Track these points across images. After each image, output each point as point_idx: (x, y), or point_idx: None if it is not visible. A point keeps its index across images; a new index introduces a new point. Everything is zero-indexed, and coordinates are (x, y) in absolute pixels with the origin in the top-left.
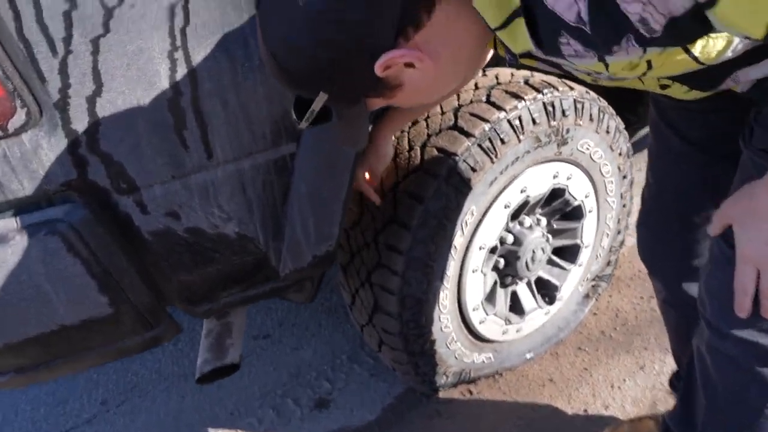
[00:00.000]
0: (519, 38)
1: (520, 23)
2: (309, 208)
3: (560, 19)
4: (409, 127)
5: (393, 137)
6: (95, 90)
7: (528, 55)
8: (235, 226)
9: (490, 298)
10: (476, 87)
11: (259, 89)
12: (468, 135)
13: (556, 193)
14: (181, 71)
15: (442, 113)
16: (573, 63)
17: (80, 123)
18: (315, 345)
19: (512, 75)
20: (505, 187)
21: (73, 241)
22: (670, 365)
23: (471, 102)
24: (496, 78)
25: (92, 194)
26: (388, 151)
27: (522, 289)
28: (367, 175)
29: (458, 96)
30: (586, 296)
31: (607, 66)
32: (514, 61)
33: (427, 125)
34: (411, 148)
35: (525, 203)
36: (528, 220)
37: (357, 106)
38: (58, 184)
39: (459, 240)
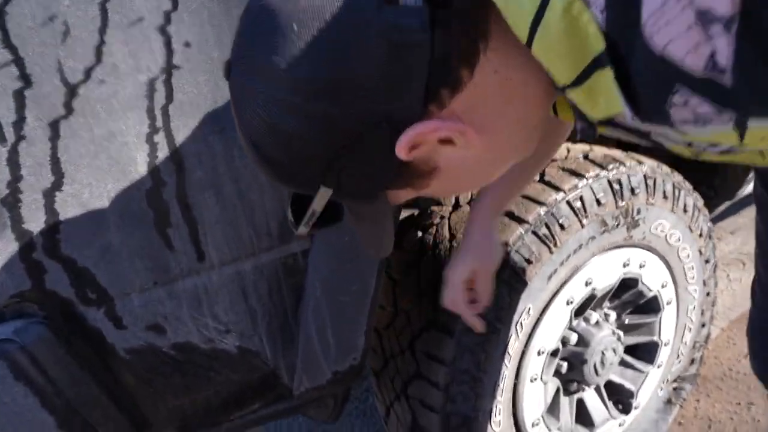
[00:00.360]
0: (601, 99)
1: (605, 77)
2: (327, 316)
3: (677, 68)
4: (450, 212)
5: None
6: (54, 182)
7: (611, 122)
8: (235, 340)
9: (552, 409)
10: None
11: (262, 175)
12: (520, 221)
13: (628, 284)
14: (163, 156)
15: None
16: (686, 132)
17: (35, 222)
18: None
19: (568, 150)
20: (566, 281)
21: (23, 365)
22: None
23: None
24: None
25: (52, 307)
26: (495, 241)
27: (590, 397)
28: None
29: None
30: (668, 402)
31: (743, 134)
32: (591, 131)
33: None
34: (452, 237)
35: (591, 297)
36: (594, 316)
37: (375, 203)
38: (7, 296)
39: (513, 345)
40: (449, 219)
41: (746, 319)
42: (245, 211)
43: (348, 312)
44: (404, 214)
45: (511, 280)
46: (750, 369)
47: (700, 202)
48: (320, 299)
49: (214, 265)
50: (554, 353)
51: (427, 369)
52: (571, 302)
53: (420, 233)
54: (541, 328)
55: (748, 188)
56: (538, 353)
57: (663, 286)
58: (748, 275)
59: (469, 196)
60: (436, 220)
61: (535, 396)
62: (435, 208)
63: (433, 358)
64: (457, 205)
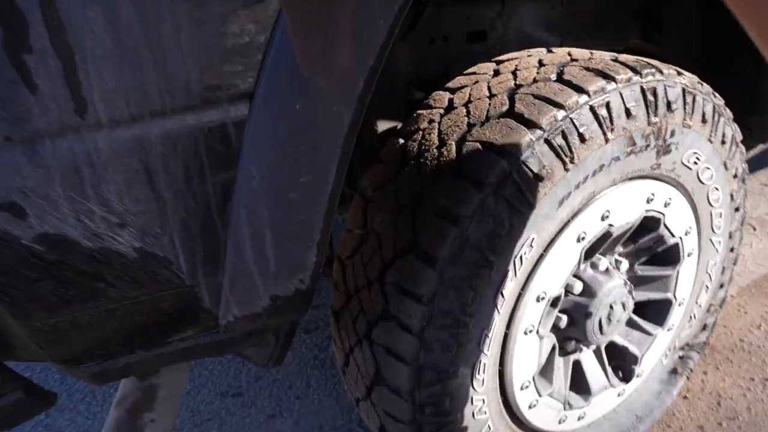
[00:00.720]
0: None
1: None
2: (266, 218)
3: None
4: (441, 115)
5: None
6: None
7: None
8: (134, 239)
9: (545, 371)
10: (541, 63)
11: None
12: (531, 125)
13: (647, 226)
14: None
15: (491, 95)
16: None
17: None
18: (298, 413)
19: (591, 54)
20: (579, 210)
21: None
22: None
23: (535, 81)
24: (569, 54)
25: None
26: None
27: (588, 360)
28: None
29: (514, 74)
30: (673, 372)
31: None
32: None
33: (468, 111)
34: (442, 143)
35: (604, 236)
36: (604, 262)
37: None
38: None
39: (509, 285)
40: (440, 123)
41: (758, 286)
42: (152, 49)
43: (296, 213)
44: (385, 125)
45: (513, 198)
46: (764, 341)
47: (739, 136)
48: (258, 193)
49: (102, 124)
50: (554, 302)
51: (399, 307)
52: (583, 239)
53: (402, 140)
54: (543, 267)
55: None
56: (538, 299)
57: (686, 233)
58: (758, 240)
59: (466, 97)
60: (423, 125)
61: (528, 353)
62: (423, 111)
63: (406, 293)
64: (450, 108)
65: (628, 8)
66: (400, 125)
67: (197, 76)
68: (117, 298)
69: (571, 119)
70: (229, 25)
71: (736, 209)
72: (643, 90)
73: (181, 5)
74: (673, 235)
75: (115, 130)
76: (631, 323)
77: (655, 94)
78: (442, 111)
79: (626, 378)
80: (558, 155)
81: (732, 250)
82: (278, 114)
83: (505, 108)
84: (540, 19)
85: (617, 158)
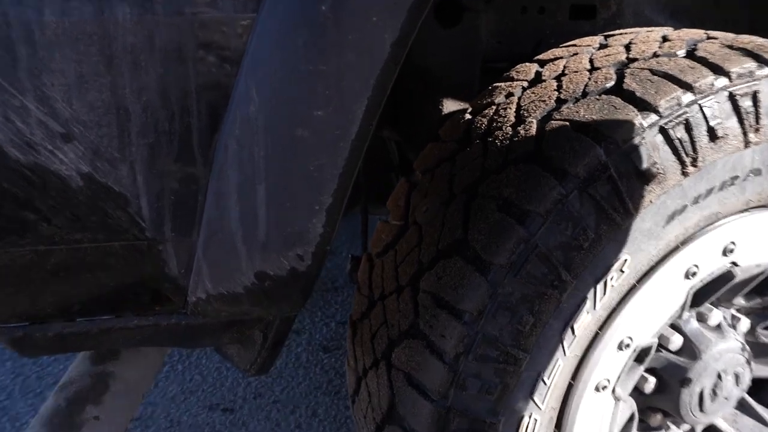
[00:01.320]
0: None
1: None
2: (263, 158)
3: None
4: (523, 88)
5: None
6: None
7: None
8: (81, 160)
9: None
10: (665, 38)
11: None
12: (643, 106)
13: None
14: None
15: (592, 69)
16: None
17: None
18: None
19: (734, 36)
20: (695, 234)
21: None
22: None
23: (655, 55)
24: (705, 32)
25: None
26: None
27: None
28: None
29: (627, 48)
30: None
31: None
32: None
33: (559, 84)
34: (519, 120)
35: (723, 278)
36: (717, 315)
37: None
38: None
39: (584, 319)
40: (520, 98)
41: None
42: None
43: (302, 160)
44: (453, 106)
45: (606, 200)
46: None
47: None
48: (255, 124)
49: None
50: (641, 356)
51: (431, 323)
52: (693, 275)
53: (469, 116)
54: (634, 303)
55: None
56: (620, 347)
57: None
58: None
59: (560, 69)
60: (499, 99)
61: (597, 417)
62: (501, 84)
63: (444, 305)
64: (537, 80)
65: None
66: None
67: None
68: (51, 239)
69: (701, 107)
70: None
71: None
72: None
73: None
74: None
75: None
76: (743, 405)
77: None
78: (525, 84)
79: None
80: (675, 152)
81: None
82: (294, 14)
83: (610, 83)
84: (667, 3)
85: (758, 171)
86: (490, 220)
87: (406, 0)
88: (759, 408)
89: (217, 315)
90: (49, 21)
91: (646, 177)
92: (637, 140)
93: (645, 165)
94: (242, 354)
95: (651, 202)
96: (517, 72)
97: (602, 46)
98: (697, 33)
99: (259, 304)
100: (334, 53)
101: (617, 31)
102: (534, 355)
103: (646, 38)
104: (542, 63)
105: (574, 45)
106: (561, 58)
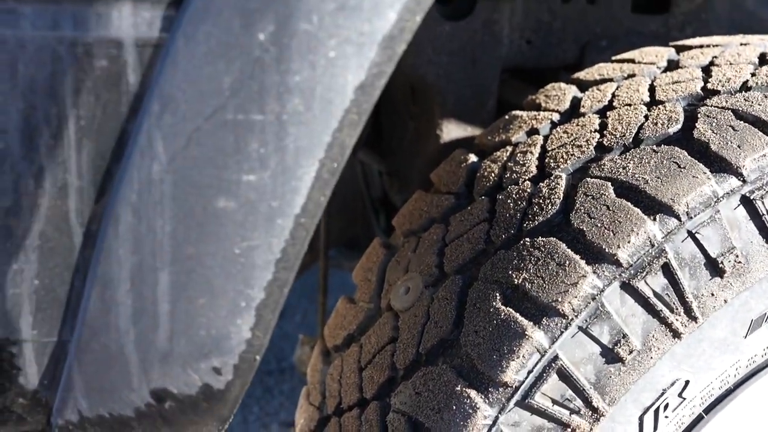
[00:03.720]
0: None
1: None
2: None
3: None
4: (553, 123)
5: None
6: None
7: None
8: None
9: None
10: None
11: None
12: (720, 167)
13: None
14: None
15: (652, 102)
16: None
17: None
18: None
19: None
20: None
21: None
22: None
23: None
24: None
25: None
26: None
27: None
28: None
29: (707, 71)
30: None
31: None
32: None
33: (603, 124)
34: (544, 174)
35: None
36: None
37: None
38: None
39: None
40: (546, 138)
41: None
42: None
43: (225, 239)
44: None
45: (658, 297)
46: None
47: None
48: (159, 191)
49: None
50: None
51: None
52: None
53: (474, 158)
54: None
55: None
56: None
57: None
58: None
59: (606, 98)
60: (517, 137)
61: None
62: (522, 113)
63: None
64: (574, 112)
65: None
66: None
67: None
68: None
69: None
70: None
71: None
72: None
73: None
74: None
75: None
76: None
77: None
78: (556, 117)
79: None
80: (765, 231)
81: None
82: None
83: (675, 128)
84: None
85: None
86: (494, 318)
87: (377, 30)
88: None
89: None
90: None
91: (720, 268)
92: (708, 214)
93: (718, 251)
94: None
95: (725, 301)
96: (546, 97)
97: (670, 66)
98: None
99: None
100: (274, 98)
101: (696, 41)
102: None
103: (736, 57)
104: (582, 85)
105: (631, 61)
106: (610, 80)
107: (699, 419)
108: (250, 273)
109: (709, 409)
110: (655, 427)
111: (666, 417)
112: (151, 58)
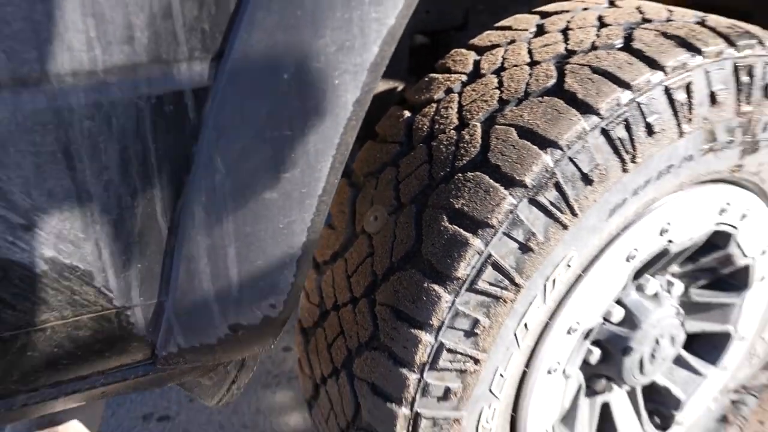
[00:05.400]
0: None
1: None
2: (232, 222)
3: None
4: (462, 84)
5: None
6: None
7: None
8: (44, 245)
9: (568, 417)
10: (602, 22)
11: None
12: (586, 109)
13: (715, 242)
14: None
15: (532, 63)
16: None
17: None
18: None
19: (670, 12)
20: (634, 221)
21: None
22: None
23: (593, 48)
24: (639, 11)
25: None
26: None
27: (619, 402)
28: None
29: (565, 34)
30: (723, 420)
31: None
32: None
33: (500, 83)
34: (463, 123)
35: (660, 255)
36: (654, 284)
37: None
38: None
39: (535, 314)
40: (460, 95)
41: None
42: None
43: (272, 221)
44: (383, 86)
45: (554, 205)
46: None
47: None
48: (221, 191)
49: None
50: (588, 333)
51: (392, 336)
52: (633, 258)
53: (408, 113)
54: (580, 292)
55: None
56: (569, 331)
57: (762, 253)
58: None
59: (498, 62)
60: (438, 94)
61: (549, 396)
62: (438, 76)
63: (404, 318)
64: (476, 74)
65: None
66: (402, 86)
67: (143, 25)
68: (16, 325)
69: (639, 104)
70: None
71: None
72: (736, 68)
73: None
74: (744, 255)
75: (20, 94)
76: (678, 360)
77: (751, 74)
78: (464, 78)
79: (664, 426)
80: (617, 152)
81: None
82: (255, 83)
83: (552, 82)
84: None
85: (690, 158)
86: (444, 233)
87: (366, 60)
88: (692, 359)
89: (188, 364)
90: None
91: (590, 179)
92: (580, 145)
93: (589, 168)
94: (209, 388)
95: (595, 200)
96: (454, 62)
97: (539, 30)
98: (632, 12)
99: (231, 351)
100: (298, 118)
101: (551, 7)
102: (491, 353)
103: (583, 21)
104: (479, 50)
105: (510, 28)
106: (498, 45)
107: (578, 278)
108: (290, 239)
109: (586, 269)
110: (553, 288)
111: (560, 281)
112: (204, 98)
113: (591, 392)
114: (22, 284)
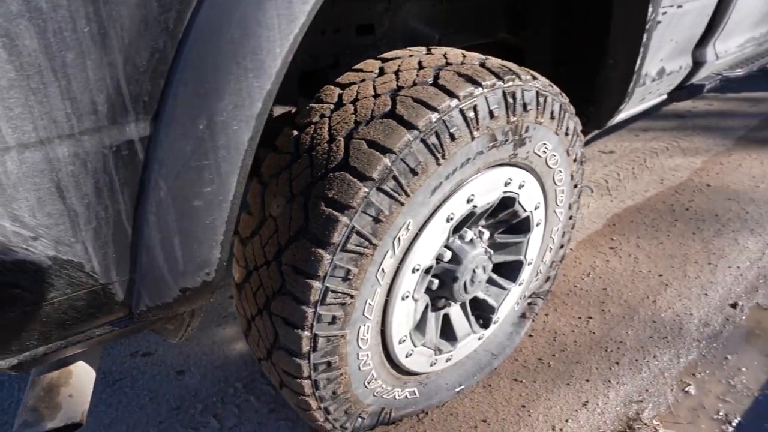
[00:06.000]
0: None
1: None
2: (174, 223)
3: None
4: (331, 111)
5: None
6: None
7: None
8: (48, 248)
9: (419, 325)
10: (420, 66)
11: (86, 26)
12: (409, 126)
13: (505, 203)
14: None
15: (375, 95)
16: None
17: None
18: (205, 368)
19: (464, 56)
20: (449, 195)
21: None
22: (613, 401)
23: (414, 84)
24: (445, 56)
25: None
26: None
27: (455, 313)
28: None
29: (397, 75)
30: (522, 316)
31: None
32: None
33: (355, 110)
34: (332, 139)
35: (470, 215)
36: (469, 234)
37: None
38: None
39: (389, 261)
40: (330, 118)
41: (591, 240)
42: (58, 77)
43: (201, 219)
44: (280, 110)
45: (393, 191)
46: (591, 286)
47: (580, 127)
48: (165, 202)
49: (10, 147)
50: (428, 270)
51: (294, 285)
52: (451, 219)
53: (296, 132)
54: (418, 244)
55: (618, 118)
56: (413, 270)
57: (536, 208)
58: (594, 200)
59: (354, 95)
60: (315, 119)
61: (405, 314)
62: (315, 105)
63: (301, 272)
64: (340, 104)
65: (497, 6)
66: (293, 110)
67: (104, 100)
68: (33, 300)
69: (444, 121)
70: (132, 53)
71: (575, 186)
72: (504, 94)
73: (83, 34)
74: (525, 210)
75: (23, 153)
76: (490, 281)
77: (514, 97)
78: (332, 107)
79: (486, 325)
80: (432, 152)
81: (571, 217)
82: (182, 131)
83: (387, 109)
84: (422, 15)
85: (481, 152)
86: (323, 214)
87: (254, 112)
88: (500, 280)
89: (155, 317)
90: (11, 170)
91: (416, 172)
92: (407, 150)
93: (414, 164)
94: (173, 331)
95: (420, 185)
96: (325, 95)
97: (381, 72)
98: (440, 58)
99: (183, 305)
100: (212, 152)
101: (389, 55)
102: (362, 290)
103: (409, 65)
104: (342, 86)
105: (362, 70)
106: (354, 83)
107: (416, 235)
108: (215, 230)
109: (420, 229)
110: (399, 243)
111: (404, 238)
112: (149, 143)
113: (435, 308)
114: (36, 275)
